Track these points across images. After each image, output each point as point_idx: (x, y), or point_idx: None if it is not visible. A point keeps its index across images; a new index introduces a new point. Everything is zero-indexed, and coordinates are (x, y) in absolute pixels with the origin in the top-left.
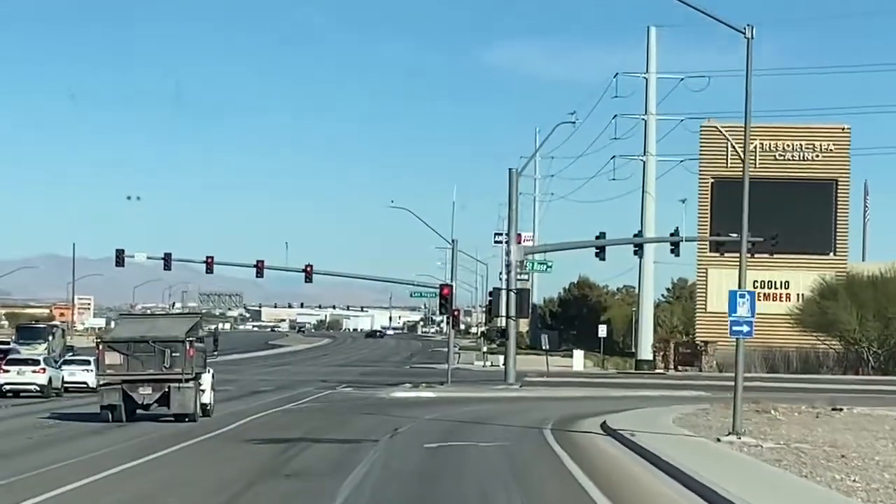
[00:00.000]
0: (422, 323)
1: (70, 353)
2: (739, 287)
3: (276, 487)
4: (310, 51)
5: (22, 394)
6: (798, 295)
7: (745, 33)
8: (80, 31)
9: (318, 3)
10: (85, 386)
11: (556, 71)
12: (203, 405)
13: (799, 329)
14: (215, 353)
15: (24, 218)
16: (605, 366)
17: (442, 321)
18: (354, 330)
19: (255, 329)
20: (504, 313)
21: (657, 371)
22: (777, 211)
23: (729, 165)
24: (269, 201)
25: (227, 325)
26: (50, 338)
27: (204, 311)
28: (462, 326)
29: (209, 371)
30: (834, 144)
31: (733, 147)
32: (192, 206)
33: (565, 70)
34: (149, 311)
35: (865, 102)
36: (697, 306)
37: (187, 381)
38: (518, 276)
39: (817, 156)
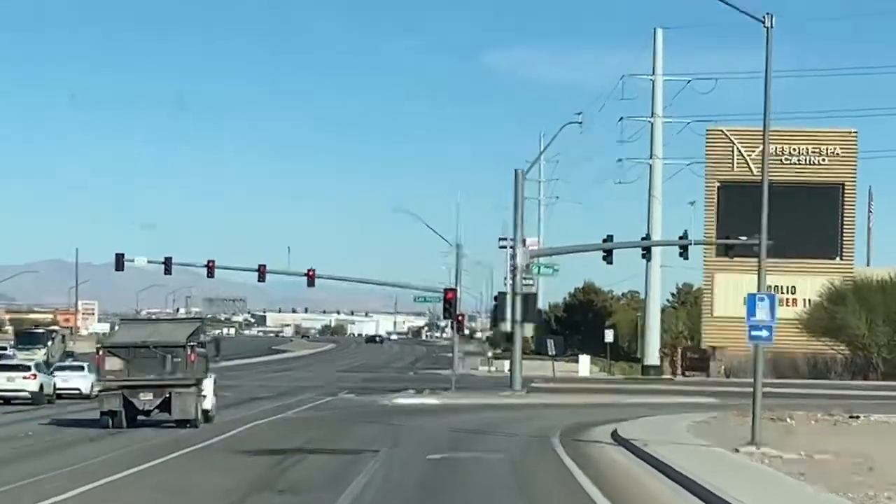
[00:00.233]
0: (426, 328)
1: (70, 359)
2: (758, 290)
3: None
4: (311, 53)
5: (12, 401)
6: (805, 300)
7: (764, 22)
8: (81, 33)
9: (319, 6)
10: (78, 392)
11: (558, 74)
12: (205, 411)
13: (806, 334)
14: (217, 358)
15: (29, 223)
16: (612, 371)
17: (447, 326)
18: (359, 335)
19: (260, 334)
20: (510, 318)
21: (665, 377)
22: (783, 215)
23: (735, 169)
24: (273, 205)
25: (232, 330)
26: (49, 343)
27: (209, 315)
28: (467, 331)
29: (211, 376)
30: (841, 148)
31: (739, 151)
32: (195, 210)
33: (568, 73)
34: (153, 316)
35: (872, 105)
36: (704, 311)
37: (189, 386)
38: (523, 281)
39: (824, 160)
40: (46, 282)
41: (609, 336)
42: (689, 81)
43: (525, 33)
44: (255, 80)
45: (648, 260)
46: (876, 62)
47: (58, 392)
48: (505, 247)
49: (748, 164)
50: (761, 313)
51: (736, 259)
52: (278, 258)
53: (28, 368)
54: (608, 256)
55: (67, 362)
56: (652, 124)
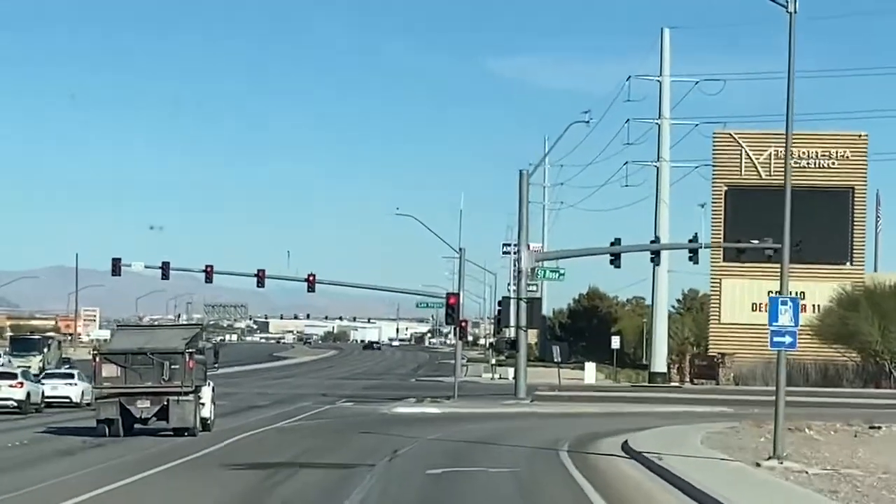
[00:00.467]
0: (429, 334)
1: (66, 366)
2: (781, 292)
3: None
4: (313, 57)
5: None
6: (814, 305)
7: (786, 7)
8: (81, 35)
9: (320, 9)
10: (68, 401)
11: (562, 80)
12: (203, 419)
13: (816, 340)
14: (216, 365)
15: (31, 229)
16: (618, 379)
17: (449, 333)
18: (361, 341)
19: (263, 341)
20: (514, 323)
21: (672, 384)
22: (793, 219)
23: (743, 173)
24: (273, 210)
25: (234, 337)
26: (45, 350)
27: (211, 322)
28: (470, 338)
29: (209, 384)
30: (851, 152)
31: (747, 154)
32: (196, 215)
33: (572, 79)
34: (156, 323)
35: (881, 106)
36: (710, 317)
37: (187, 394)
38: (528, 286)
39: (833, 163)
40: (49, 288)
41: (615, 342)
42: (697, 83)
43: (528, 38)
44: (255, 81)
45: (657, 264)
46: (887, 63)
47: (47, 401)
48: (508, 253)
49: (756, 167)
50: (784, 318)
51: (744, 264)
52: (279, 264)
53: (14, 376)
54: (616, 260)
55: (57, 370)
56: (659, 126)
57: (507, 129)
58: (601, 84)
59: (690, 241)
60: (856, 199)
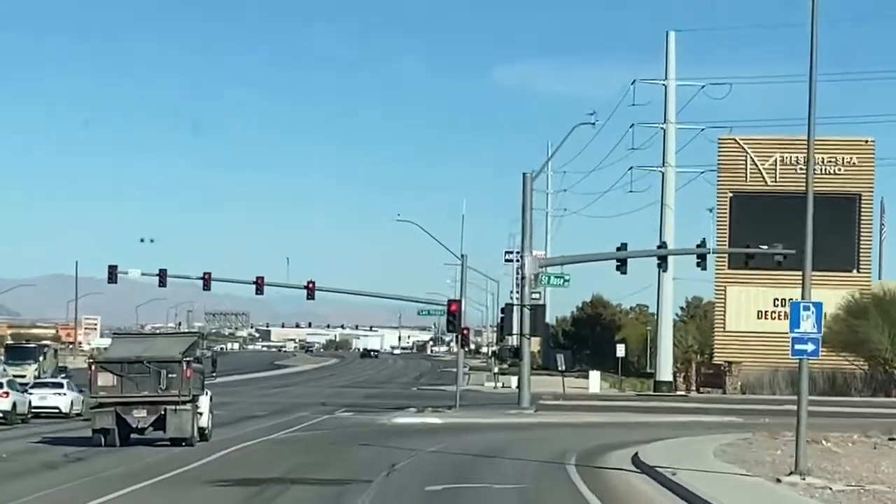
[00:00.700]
0: (431, 342)
1: (62, 375)
2: (802, 297)
3: None
4: (312, 64)
5: None
6: None
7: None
8: (80, 45)
9: (320, 16)
10: (57, 411)
11: (565, 88)
12: (200, 429)
13: (824, 348)
14: (214, 374)
15: (33, 238)
16: (622, 387)
17: (451, 341)
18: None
19: (265, 349)
20: (517, 331)
21: (678, 393)
22: (798, 226)
23: (748, 180)
24: (273, 217)
25: (236, 346)
26: (41, 358)
27: (213, 330)
28: (472, 346)
29: (207, 393)
30: (857, 158)
31: (753, 160)
32: (195, 223)
33: (575, 87)
34: (158, 331)
35: (890, 111)
36: (716, 325)
37: (184, 403)
38: (531, 293)
39: (840, 169)
40: (50, 296)
41: (620, 351)
42: (703, 86)
43: (530, 46)
44: (256, 87)
45: (664, 269)
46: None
47: (35, 411)
48: (511, 261)
49: (761, 173)
50: (806, 324)
51: (749, 272)
52: (279, 271)
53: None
54: (622, 266)
55: (45, 379)
56: (664, 130)
57: (510, 137)
58: (604, 91)
59: (698, 246)
60: (863, 205)
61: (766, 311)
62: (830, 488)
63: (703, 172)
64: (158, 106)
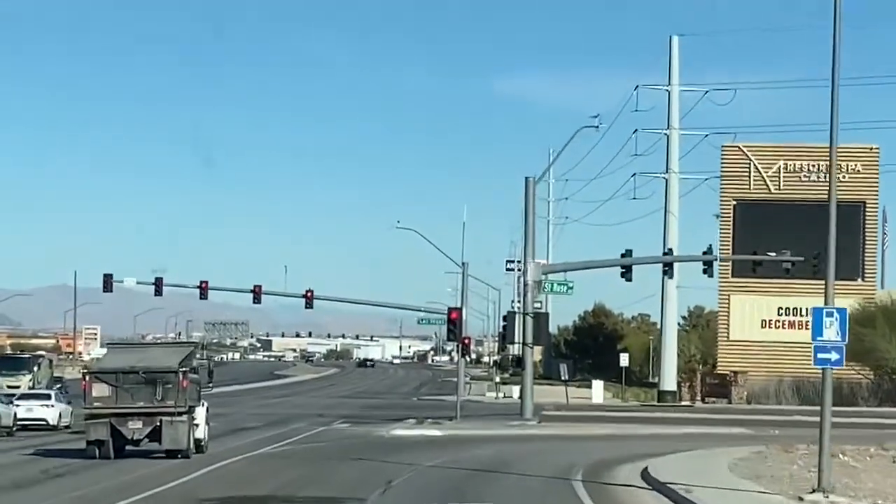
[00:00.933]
0: (432, 352)
1: (57, 386)
2: (825, 304)
3: None
4: (313, 73)
5: None
6: None
7: None
8: (77, 54)
9: (320, 24)
10: (44, 423)
11: (564, 97)
12: (197, 440)
13: None
14: (210, 384)
15: (34, 248)
16: (626, 398)
17: (452, 350)
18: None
19: (266, 359)
20: (520, 340)
21: (683, 403)
22: (803, 234)
23: (752, 187)
24: (272, 225)
25: (237, 355)
26: (35, 369)
27: (214, 340)
28: (473, 356)
29: (203, 404)
30: (862, 165)
31: (756, 168)
32: (194, 233)
33: (574, 96)
34: (159, 341)
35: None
36: (719, 335)
37: (180, 414)
38: (533, 301)
39: (844, 176)
40: (52, 306)
41: (624, 360)
42: (707, 92)
43: (531, 55)
44: (254, 96)
45: (670, 276)
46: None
47: (21, 423)
48: (512, 269)
49: (765, 181)
50: (829, 332)
51: (753, 281)
52: (278, 280)
53: None
54: (627, 273)
55: (32, 390)
56: (668, 137)
57: (511, 145)
58: (606, 100)
59: (705, 253)
60: (867, 213)
61: (770, 321)
62: None
63: (707, 179)
64: (169, 124)
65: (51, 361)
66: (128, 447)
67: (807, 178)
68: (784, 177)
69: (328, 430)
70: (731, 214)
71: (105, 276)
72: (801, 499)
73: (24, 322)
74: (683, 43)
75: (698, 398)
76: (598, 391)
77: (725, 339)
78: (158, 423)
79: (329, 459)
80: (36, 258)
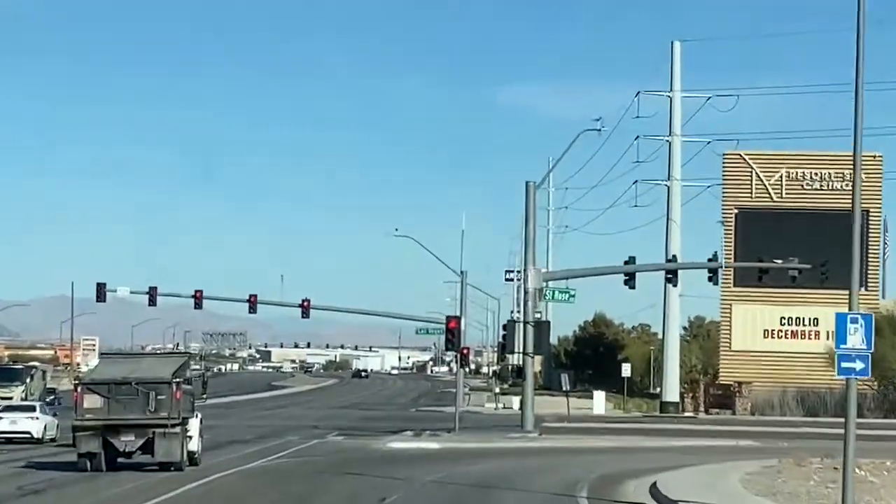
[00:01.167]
0: (431, 362)
1: (51, 397)
2: (850, 309)
3: None
4: (312, 82)
5: None
6: (827, 332)
7: None
8: (74, 66)
9: (320, 32)
10: (28, 436)
11: (564, 108)
12: (190, 453)
13: (833, 368)
14: (204, 396)
15: (35, 259)
16: (628, 408)
17: (452, 361)
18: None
19: (265, 370)
20: (520, 349)
21: (686, 415)
22: (805, 243)
23: (754, 196)
24: (269, 235)
25: (236, 366)
26: (28, 380)
27: (213, 351)
28: (472, 366)
29: (197, 416)
30: (865, 173)
31: (758, 176)
32: (192, 243)
33: (573, 107)
34: (158, 352)
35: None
36: (721, 345)
37: (174, 426)
38: (534, 310)
39: (847, 184)
40: (53, 317)
41: (626, 370)
42: (709, 98)
43: (532, 67)
44: (251, 105)
45: (674, 284)
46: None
47: (5, 436)
48: (511, 280)
49: (767, 189)
50: (854, 339)
51: (755, 290)
52: (276, 291)
53: None
54: (630, 280)
55: (17, 402)
56: (670, 144)
57: (510, 156)
58: (606, 111)
59: (710, 259)
60: (871, 222)
61: (772, 330)
62: None
63: (709, 186)
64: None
65: (44, 372)
66: (120, 460)
67: (809, 187)
68: (786, 185)
69: (322, 442)
70: (733, 223)
71: (98, 285)
72: None
73: (24, 333)
74: (685, 49)
75: (701, 409)
76: (599, 402)
77: (727, 349)
78: (151, 436)
79: (321, 474)
80: (36, 269)
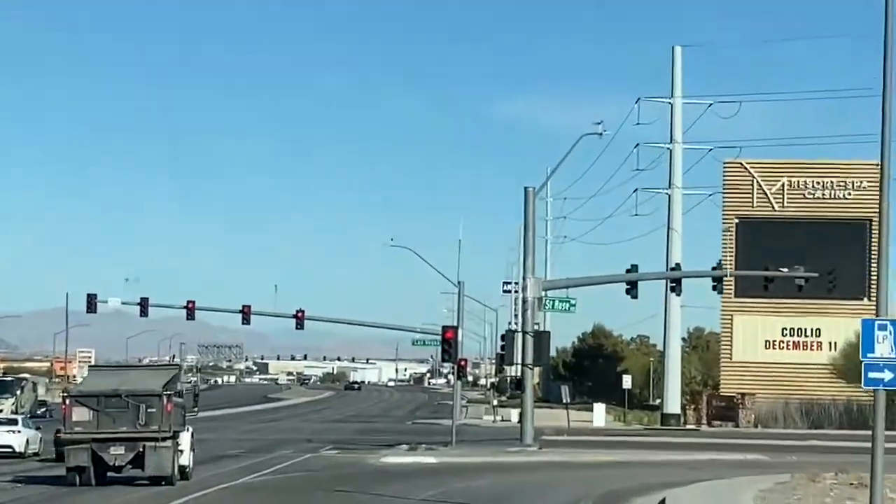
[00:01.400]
0: (429, 374)
1: (42, 409)
2: (877, 315)
3: None
4: (307, 92)
5: None
6: (830, 343)
7: None
8: (71, 79)
9: (312, 44)
10: (10, 450)
11: (563, 118)
12: (181, 467)
13: (837, 379)
14: (196, 409)
15: (34, 271)
16: (628, 420)
17: (449, 373)
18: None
19: (262, 382)
20: (519, 360)
21: (689, 427)
22: (807, 252)
23: (755, 204)
24: (264, 247)
25: (233, 378)
26: (18, 392)
27: (211, 364)
28: (470, 378)
29: (188, 429)
30: (867, 182)
31: (759, 185)
32: (184, 254)
33: (573, 117)
34: (155, 363)
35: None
36: (722, 356)
37: (164, 439)
38: (533, 320)
39: (849, 194)
40: (50, 329)
41: (627, 382)
42: (711, 104)
43: (530, 77)
44: (242, 119)
45: (678, 293)
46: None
47: None
48: (509, 291)
49: (768, 198)
50: (882, 347)
51: (756, 301)
52: (270, 302)
53: None
54: (632, 289)
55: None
56: (671, 151)
57: (508, 167)
58: (606, 120)
59: (714, 268)
60: (872, 231)
61: (774, 341)
62: None
63: (710, 195)
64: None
65: (35, 385)
66: (110, 474)
67: (811, 196)
68: (788, 194)
69: (314, 457)
70: (734, 232)
71: (89, 296)
72: None
73: (23, 345)
74: (686, 55)
75: (704, 421)
76: (599, 414)
77: (728, 360)
78: (141, 449)
79: (308, 493)
80: (35, 280)
